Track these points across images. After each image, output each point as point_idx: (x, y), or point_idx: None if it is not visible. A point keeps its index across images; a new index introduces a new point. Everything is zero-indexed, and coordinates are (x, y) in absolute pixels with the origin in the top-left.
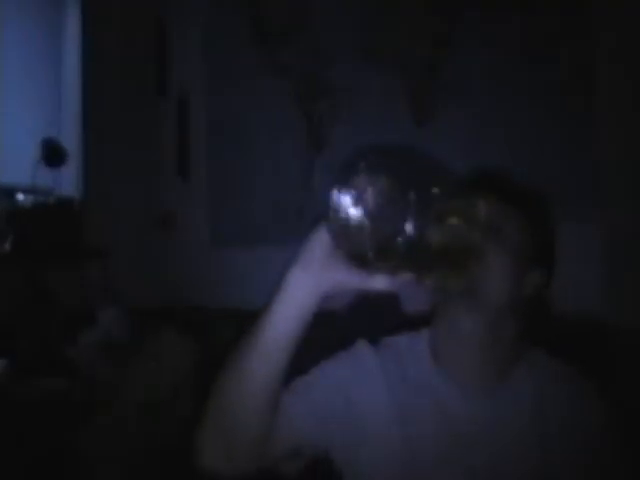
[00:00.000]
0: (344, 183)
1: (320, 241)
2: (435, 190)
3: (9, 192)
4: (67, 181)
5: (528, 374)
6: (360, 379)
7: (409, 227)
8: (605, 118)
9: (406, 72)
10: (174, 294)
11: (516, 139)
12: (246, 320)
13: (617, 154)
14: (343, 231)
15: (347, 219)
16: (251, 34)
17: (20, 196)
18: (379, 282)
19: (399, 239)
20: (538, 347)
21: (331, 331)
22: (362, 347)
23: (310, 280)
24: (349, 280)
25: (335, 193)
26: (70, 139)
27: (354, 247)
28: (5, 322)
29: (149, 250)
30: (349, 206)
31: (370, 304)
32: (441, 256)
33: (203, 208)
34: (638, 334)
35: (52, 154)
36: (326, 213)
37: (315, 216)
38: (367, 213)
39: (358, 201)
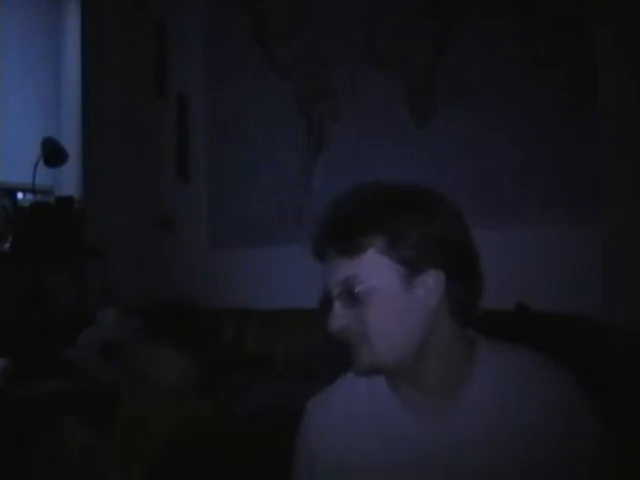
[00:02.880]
0: None
1: None
2: None
3: (9, 191)
4: (67, 181)
5: (485, 378)
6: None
7: None
8: (606, 118)
9: (406, 72)
10: (174, 294)
11: (516, 140)
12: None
13: (618, 154)
14: None
15: None
16: (251, 34)
17: (20, 196)
18: None
19: None
20: (496, 340)
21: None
22: (307, 424)
23: None
24: None
25: None
26: (70, 139)
27: None
28: (5, 322)
29: (149, 250)
30: None
31: None
32: None
33: (203, 208)
34: (638, 334)
35: (52, 154)
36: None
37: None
38: None
39: None
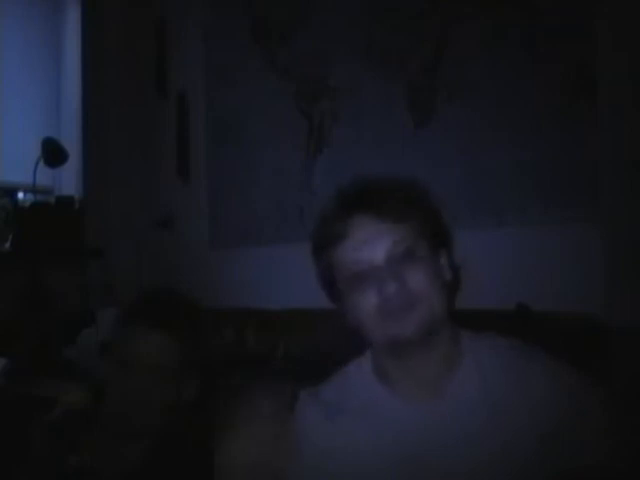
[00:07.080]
0: None
1: None
2: None
3: (9, 191)
4: (67, 181)
5: (472, 364)
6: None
7: None
8: (606, 118)
9: (406, 72)
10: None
11: (516, 139)
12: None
13: (618, 154)
14: None
15: None
16: (251, 34)
17: (20, 195)
18: None
19: None
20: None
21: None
22: (301, 410)
23: None
24: None
25: None
26: (70, 139)
27: None
28: (5, 322)
29: (149, 250)
30: None
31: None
32: None
33: (203, 208)
34: (638, 334)
35: (52, 154)
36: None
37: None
38: None
39: None
